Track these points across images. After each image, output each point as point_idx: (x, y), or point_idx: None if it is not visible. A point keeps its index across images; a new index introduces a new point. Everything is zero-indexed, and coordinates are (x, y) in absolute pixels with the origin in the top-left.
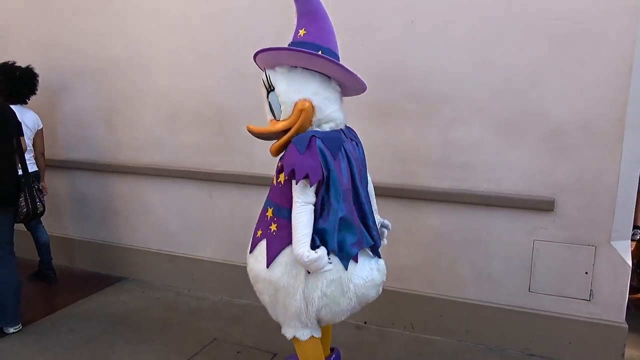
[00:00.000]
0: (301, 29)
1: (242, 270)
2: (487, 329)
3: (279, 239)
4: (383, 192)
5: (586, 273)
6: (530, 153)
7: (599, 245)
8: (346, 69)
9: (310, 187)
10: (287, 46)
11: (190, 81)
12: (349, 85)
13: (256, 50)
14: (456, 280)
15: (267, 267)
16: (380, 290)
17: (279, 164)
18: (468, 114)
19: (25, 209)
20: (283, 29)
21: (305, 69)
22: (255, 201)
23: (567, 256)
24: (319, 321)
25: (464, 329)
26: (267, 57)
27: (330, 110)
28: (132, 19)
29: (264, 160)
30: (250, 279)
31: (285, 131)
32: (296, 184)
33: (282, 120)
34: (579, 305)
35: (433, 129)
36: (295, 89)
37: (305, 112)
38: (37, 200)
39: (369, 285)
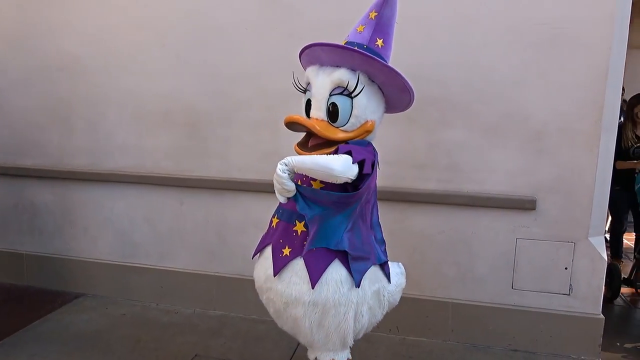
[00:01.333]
0: (379, 38)
1: (217, 280)
2: (472, 328)
3: (322, 255)
4: None
5: (566, 269)
6: (514, 154)
7: (578, 242)
8: (412, 97)
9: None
10: (379, 59)
11: (159, 80)
12: (394, 107)
13: (350, 46)
14: (441, 281)
15: (313, 287)
16: None
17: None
18: (453, 116)
19: None
20: (261, 24)
21: (379, 88)
22: (231, 207)
23: (548, 253)
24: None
25: (449, 329)
26: (348, 58)
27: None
28: (93, 11)
29: (240, 164)
30: (279, 306)
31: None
32: (351, 156)
33: (345, 132)
34: (559, 300)
35: (419, 131)
36: (372, 109)
37: (368, 133)
38: None
39: (398, 291)
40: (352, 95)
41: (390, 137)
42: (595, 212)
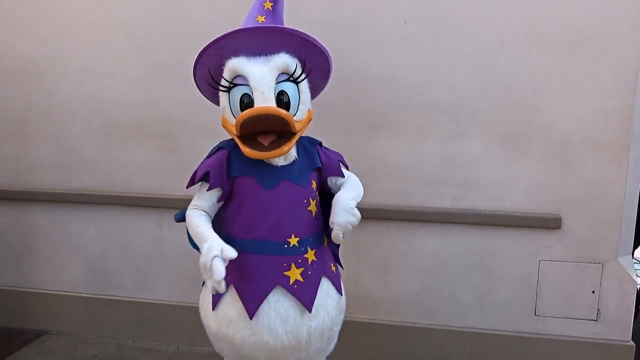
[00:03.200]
0: (264, 2)
1: None
2: (492, 358)
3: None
4: (374, 215)
5: (593, 292)
6: (535, 167)
7: (606, 263)
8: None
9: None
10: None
11: (132, 86)
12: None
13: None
14: (457, 308)
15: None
16: None
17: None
18: (468, 126)
19: None
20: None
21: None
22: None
23: (574, 276)
24: None
25: None
26: (288, 40)
27: None
28: (53, 8)
29: None
30: (322, 333)
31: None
32: (347, 169)
33: (297, 121)
34: (586, 326)
35: (430, 142)
36: (309, 97)
37: (308, 123)
38: None
39: None
40: (298, 80)
41: (398, 149)
42: (624, 230)
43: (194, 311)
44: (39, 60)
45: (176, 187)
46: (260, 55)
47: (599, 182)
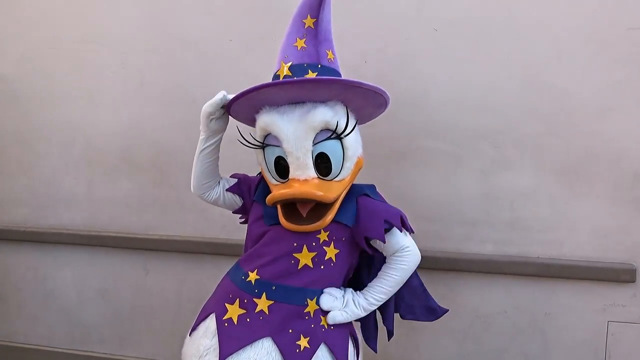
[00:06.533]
0: (328, 50)
1: None
2: None
3: (342, 330)
4: None
5: None
6: (602, 206)
7: None
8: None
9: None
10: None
11: (116, 110)
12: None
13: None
14: None
15: None
16: None
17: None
18: (515, 155)
19: None
20: (248, 35)
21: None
22: (212, 277)
23: None
24: None
25: None
26: (324, 90)
27: None
28: (28, 23)
29: (224, 219)
30: None
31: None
32: (401, 231)
33: (340, 181)
34: None
35: (468, 174)
36: (358, 141)
37: (359, 170)
38: None
39: None
40: (343, 135)
41: (428, 183)
42: None
43: None
44: (12, 82)
45: (165, 226)
46: (295, 106)
47: None
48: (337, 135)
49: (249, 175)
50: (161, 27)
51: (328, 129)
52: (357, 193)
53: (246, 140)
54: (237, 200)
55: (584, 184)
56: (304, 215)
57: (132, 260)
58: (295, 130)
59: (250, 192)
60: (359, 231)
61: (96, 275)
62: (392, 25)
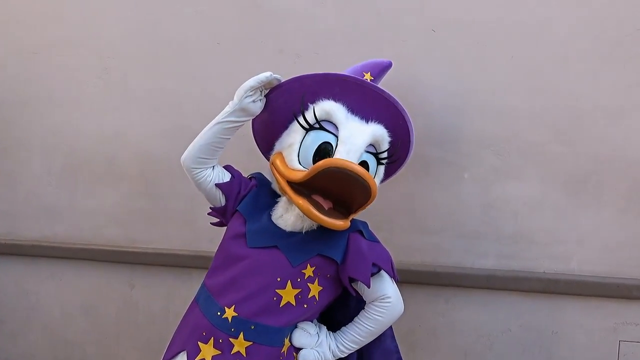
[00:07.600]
0: (367, 72)
1: None
2: None
3: None
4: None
5: None
6: (613, 217)
7: None
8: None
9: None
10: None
11: (100, 118)
12: None
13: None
14: None
15: None
16: None
17: (309, 271)
18: (519, 163)
19: None
20: (239, 37)
21: None
22: None
23: None
24: None
25: None
26: (385, 114)
27: None
28: (7, 26)
29: (212, 232)
30: None
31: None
32: (390, 277)
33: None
34: None
35: (469, 184)
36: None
37: None
38: None
39: None
40: (381, 159)
41: (427, 193)
42: None
43: None
44: None
45: (151, 239)
46: (356, 115)
47: None
48: (377, 155)
49: (244, 175)
50: (146, 31)
51: (374, 147)
52: (349, 229)
53: (302, 114)
54: (221, 199)
55: (593, 194)
56: (326, 209)
57: (117, 274)
58: (358, 128)
59: (237, 198)
60: (344, 269)
61: (79, 289)
62: (388, 26)
